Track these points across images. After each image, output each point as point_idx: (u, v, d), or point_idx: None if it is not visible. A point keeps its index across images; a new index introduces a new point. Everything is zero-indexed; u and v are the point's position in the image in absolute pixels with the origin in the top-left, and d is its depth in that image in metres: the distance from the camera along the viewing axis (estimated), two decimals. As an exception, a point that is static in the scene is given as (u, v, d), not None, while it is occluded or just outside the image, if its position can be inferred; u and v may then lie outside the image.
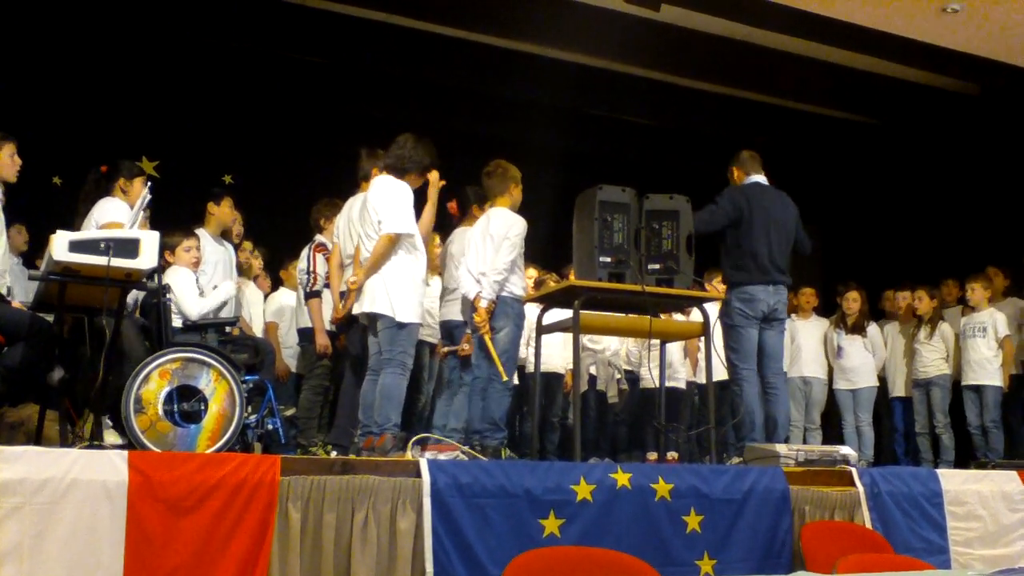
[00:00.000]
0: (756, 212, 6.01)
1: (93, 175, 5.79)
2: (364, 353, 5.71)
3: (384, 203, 5.34)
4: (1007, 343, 8.14)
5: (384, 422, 5.08)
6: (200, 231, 6.35)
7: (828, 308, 9.10)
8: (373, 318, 5.31)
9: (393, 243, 5.27)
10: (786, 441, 6.07)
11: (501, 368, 5.64)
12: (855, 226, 10.95)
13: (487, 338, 5.67)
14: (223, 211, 6.62)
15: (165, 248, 5.80)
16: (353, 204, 5.91)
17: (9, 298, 5.15)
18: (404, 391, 5.29)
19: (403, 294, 5.24)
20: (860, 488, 5.05)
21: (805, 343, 8.61)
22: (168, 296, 5.18)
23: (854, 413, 8.48)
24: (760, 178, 6.23)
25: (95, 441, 4.28)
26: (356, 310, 5.43)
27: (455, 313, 6.14)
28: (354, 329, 5.86)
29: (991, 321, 8.12)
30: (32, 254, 7.28)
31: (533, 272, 7.33)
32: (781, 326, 6.17)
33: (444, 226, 6.61)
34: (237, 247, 7.10)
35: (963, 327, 8.26)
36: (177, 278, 5.68)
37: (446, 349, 6.26)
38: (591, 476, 4.43)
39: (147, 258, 4.21)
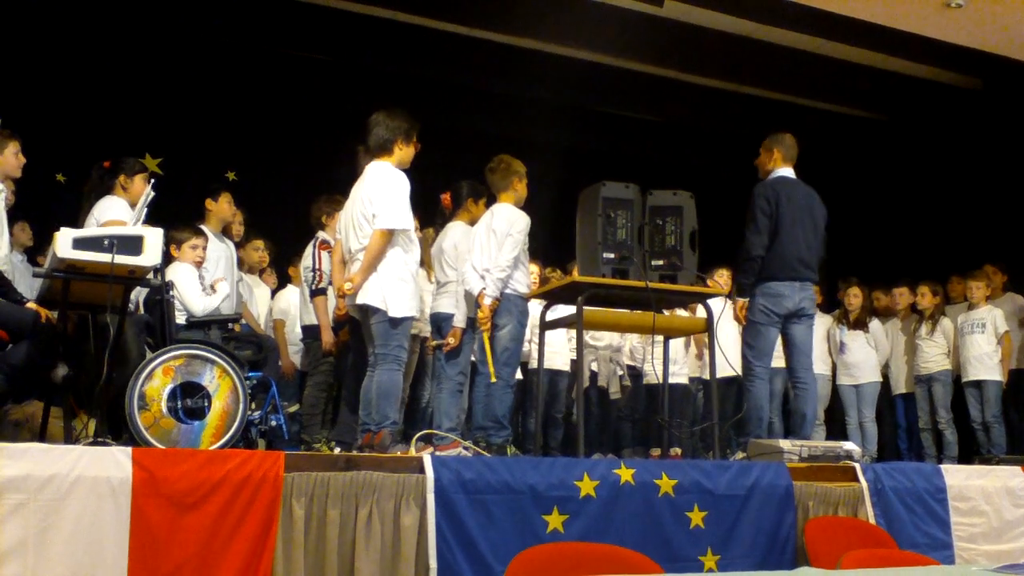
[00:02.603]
0: (784, 208, 5.94)
1: (97, 171, 5.79)
2: (365, 349, 5.71)
3: (380, 195, 5.13)
4: (1006, 339, 8.16)
5: (382, 419, 5.04)
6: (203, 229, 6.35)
7: (831, 304, 9.10)
8: (365, 311, 5.21)
9: (388, 239, 5.10)
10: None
11: (492, 368, 5.63)
12: (858, 221, 10.93)
13: (486, 336, 5.67)
14: (221, 207, 6.61)
15: (171, 242, 5.81)
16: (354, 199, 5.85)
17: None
18: (400, 386, 5.25)
19: (397, 288, 5.11)
20: (864, 484, 5.04)
21: (808, 339, 8.62)
22: (171, 293, 5.18)
23: (857, 409, 8.49)
24: (789, 172, 6.14)
25: (99, 438, 4.28)
26: (348, 302, 5.32)
27: (445, 306, 6.09)
28: (356, 324, 5.85)
29: (990, 317, 8.14)
30: (36, 251, 7.30)
31: (536, 268, 7.33)
32: (809, 321, 6.06)
33: (437, 219, 6.61)
34: (239, 245, 7.10)
35: (961, 324, 8.27)
36: (180, 274, 5.68)
37: (434, 343, 6.23)
38: (595, 472, 4.43)
39: (150, 255, 4.22)
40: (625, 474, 4.48)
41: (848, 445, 5.52)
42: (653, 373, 7.81)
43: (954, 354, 8.36)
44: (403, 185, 5.18)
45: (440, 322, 6.12)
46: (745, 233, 5.96)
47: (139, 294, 5.36)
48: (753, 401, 5.93)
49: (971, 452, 8.04)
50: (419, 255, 5.43)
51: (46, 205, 7.38)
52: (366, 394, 5.21)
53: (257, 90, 9.16)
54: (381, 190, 5.15)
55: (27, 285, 5.93)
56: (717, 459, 5.63)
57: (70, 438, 4.62)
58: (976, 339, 8.13)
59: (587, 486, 4.38)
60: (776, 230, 5.92)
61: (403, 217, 5.14)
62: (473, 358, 6.18)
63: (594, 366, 8.25)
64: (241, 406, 4.48)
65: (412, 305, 5.22)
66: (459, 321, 5.96)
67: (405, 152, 5.32)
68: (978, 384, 8.11)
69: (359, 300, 5.16)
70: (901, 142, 10.56)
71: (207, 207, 6.57)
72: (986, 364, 8.08)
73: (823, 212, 6.16)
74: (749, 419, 5.93)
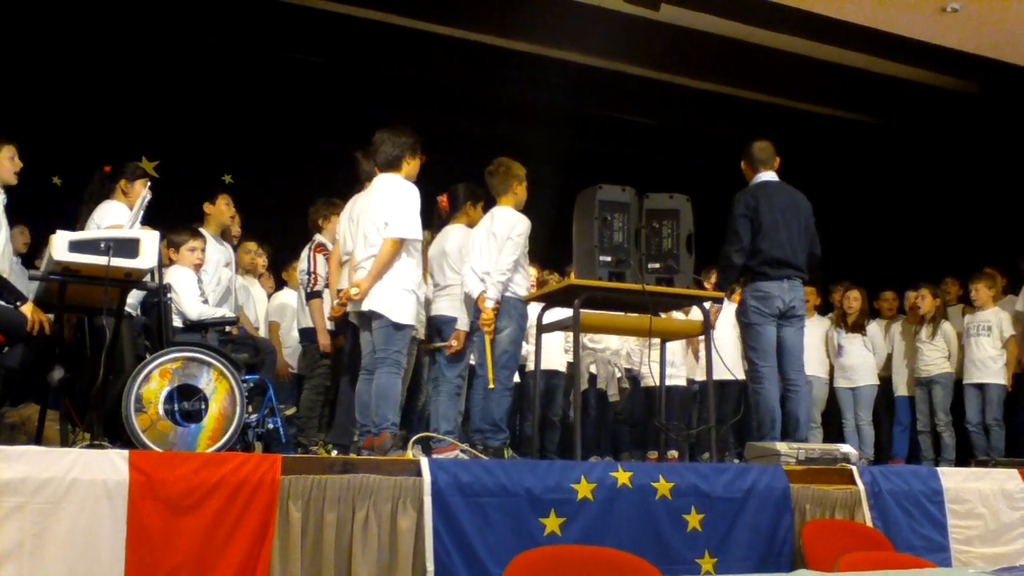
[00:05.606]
0: (764, 211, 5.96)
1: (98, 175, 5.79)
2: (359, 352, 5.70)
3: (392, 205, 5.23)
4: (1012, 343, 8.15)
5: (381, 422, 5.06)
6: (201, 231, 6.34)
7: (828, 307, 9.11)
8: (368, 316, 5.27)
9: (398, 248, 5.19)
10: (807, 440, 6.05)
11: (491, 375, 5.64)
12: (855, 225, 10.95)
13: (487, 340, 5.67)
14: (219, 209, 6.61)
15: (169, 245, 5.81)
16: (355, 202, 5.85)
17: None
18: (399, 390, 5.28)
19: (401, 296, 5.18)
20: (861, 486, 5.04)
21: (806, 342, 8.60)
22: (169, 295, 5.18)
23: (854, 411, 8.50)
24: (768, 175, 6.16)
25: (95, 441, 4.27)
26: (351, 308, 5.37)
27: (444, 309, 6.08)
28: (351, 328, 5.85)
29: (996, 320, 8.13)
30: (31, 254, 7.28)
31: (533, 271, 7.31)
32: (800, 323, 6.10)
33: (434, 223, 6.60)
34: (236, 247, 7.09)
35: (967, 326, 8.27)
36: (178, 277, 5.67)
37: (433, 345, 6.22)
38: (592, 475, 4.43)
39: (147, 258, 4.22)
40: (622, 477, 4.47)
41: (845, 448, 5.51)
42: (650, 376, 7.81)
43: (957, 355, 8.36)
44: (414, 196, 5.30)
45: (440, 325, 6.10)
46: (726, 239, 6.03)
47: (138, 296, 5.35)
48: (764, 404, 5.90)
49: (968, 455, 8.04)
50: (422, 265, 5.47)
51: (42, 208, 7.36)
52: (361, 397, 5.27)
53: (253, 93, 9.17)
54: (393, 200, 5.26)
55: (23, 288, 5.92)
56: (714, 462, 5.63)
57: (66, 441, 4.62)
58: (981, 341, 8.12)
59: (584, 489, 4.38)
60: (759, 233, 5.95)
61: (414, 227, 5.25)
62: (472, 361, 6.17)
63: (593, 368, 8.24)
64: (238, 409, 4.48)
65: (414, 314, 5.31)
66: (463, 324, 5.95)
67: (413, 165, 5.45)
68: (981, 387, 8.10)
69: (364, 307, 5.22)
70: (897, 146, 10.58)
71: (205, 211, 6.57)
72: (990, 368, 8.06)
73: (807, 209, 6.17)
74: (762, 422, 5.90)
